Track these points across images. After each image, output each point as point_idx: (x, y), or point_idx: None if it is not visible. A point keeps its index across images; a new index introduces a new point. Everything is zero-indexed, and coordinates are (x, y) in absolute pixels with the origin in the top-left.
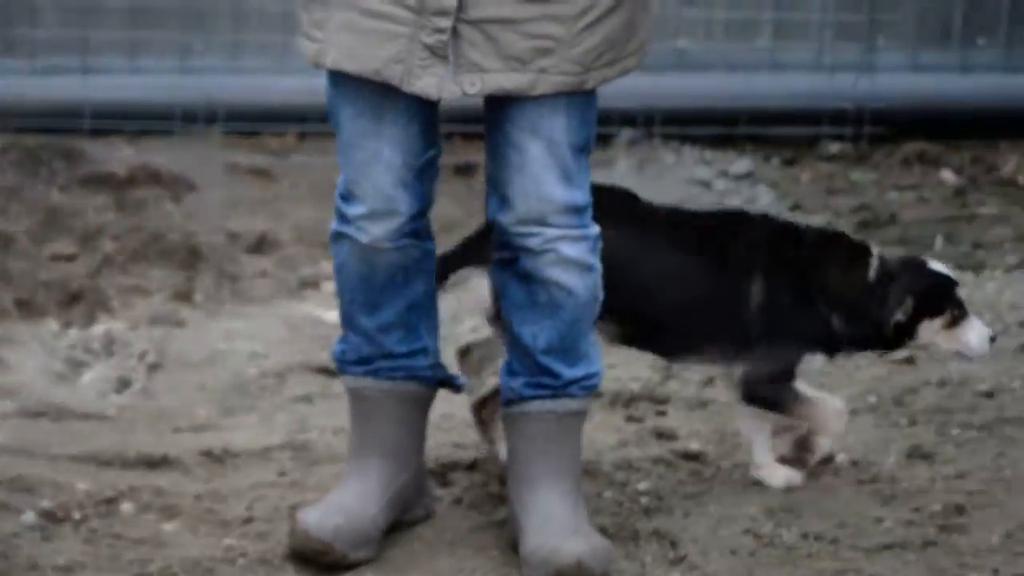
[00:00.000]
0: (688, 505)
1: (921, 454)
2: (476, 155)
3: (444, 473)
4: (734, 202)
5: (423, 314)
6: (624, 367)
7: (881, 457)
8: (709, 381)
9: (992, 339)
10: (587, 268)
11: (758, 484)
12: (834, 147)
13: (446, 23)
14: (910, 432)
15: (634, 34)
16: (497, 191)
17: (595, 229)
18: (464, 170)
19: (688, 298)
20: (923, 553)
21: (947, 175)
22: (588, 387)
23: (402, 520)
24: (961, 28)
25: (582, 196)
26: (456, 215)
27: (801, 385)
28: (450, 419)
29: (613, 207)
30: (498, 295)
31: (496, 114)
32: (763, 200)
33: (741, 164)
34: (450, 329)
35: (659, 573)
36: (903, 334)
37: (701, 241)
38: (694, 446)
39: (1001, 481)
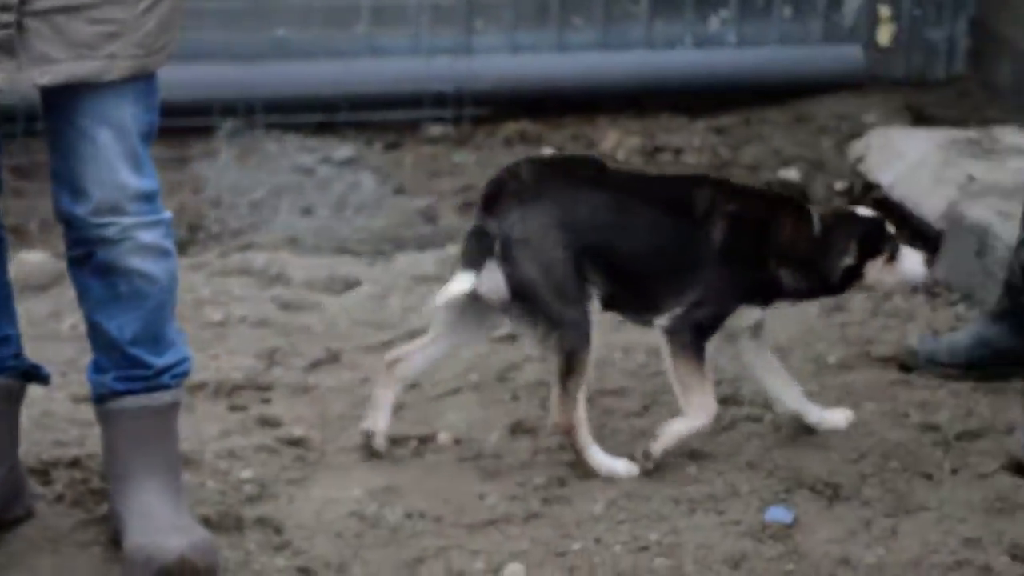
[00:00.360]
0: (292, 491)
1: (524, 429)
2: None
3: (45, 471)
4: (338, 186)
5: (1, 304)
6: (227, 357)
7: (484, 434)
8: (312, 366)
9: (928, 263)
10: (164, 253)
11: (363, 466)
12: (436, 130)
13: (9, 18)
14: (513, 407)
15: (175, 21)
16: (68, 184)
17: (167, 214)
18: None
19: (660, 255)
20: (526, 526)
21: (548, 153)
22: (179, 374)
23: (1, 519)
24: (558, 8)
25: (152, 182)
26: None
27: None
28: (50, 416)
29: (586, 175)
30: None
31: (63, 106)
32: (367, 185)
33: (344, 150)
34: (52, 326)
35: (264, 560)
36: (851, 277)
37: (669, 201)
38: (298, 432)
39: (610, 451)
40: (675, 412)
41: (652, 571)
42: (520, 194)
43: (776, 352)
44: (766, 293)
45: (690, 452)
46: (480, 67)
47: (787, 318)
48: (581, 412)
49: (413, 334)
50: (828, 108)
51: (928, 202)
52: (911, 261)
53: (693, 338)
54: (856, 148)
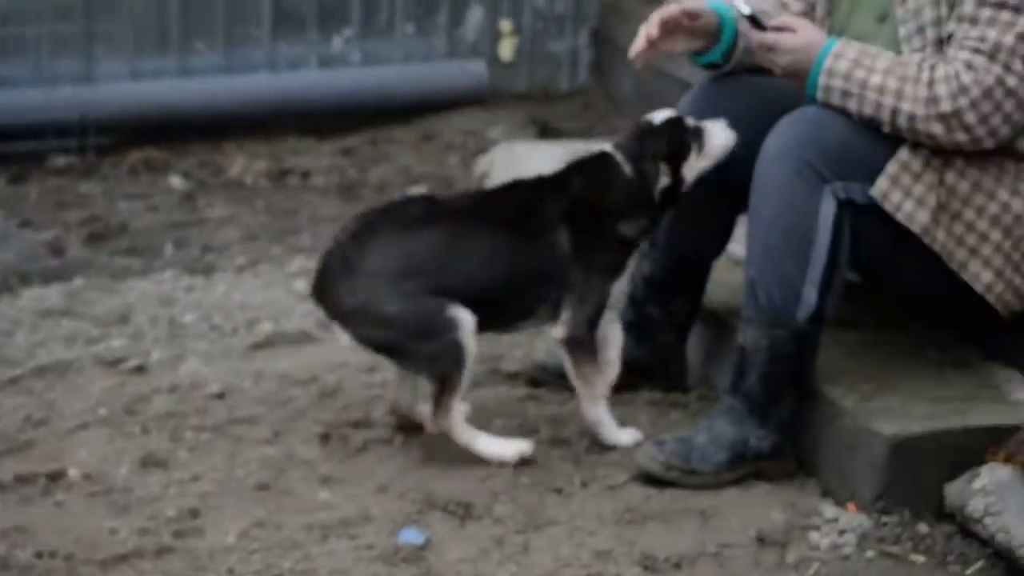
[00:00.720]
0: None
1: (155, 461)
2: None
3: None
4: None
5: None
6: None
7: (115, 468)
8: None
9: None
10: None
11: None
12: (61, 160)
13: None
14: (143, 440)
15: None
16: None
17: None
18: None
19: (512, 268)
20: (158, 560)
21: (175, 181)
22: None
23: None
24: (179, 33)
25: None
26: None
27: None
28: None
29: (422, 213)
30: None
31: None
32: None
33: None
34: None
35: None
36: (675, 191)
37: (502, 216)
38: None
39: (234, 481)
40: (307, 438)
41: None
42: (345, 263)
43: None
44: (625, 253)
45: (321, 478)
46: (103, 95)
47: None
48: (456, 415)
49: (41, 370)
50: (454, 125)
51: None
52: (716, 135)
53: (588, 337)
54: (482, 164)
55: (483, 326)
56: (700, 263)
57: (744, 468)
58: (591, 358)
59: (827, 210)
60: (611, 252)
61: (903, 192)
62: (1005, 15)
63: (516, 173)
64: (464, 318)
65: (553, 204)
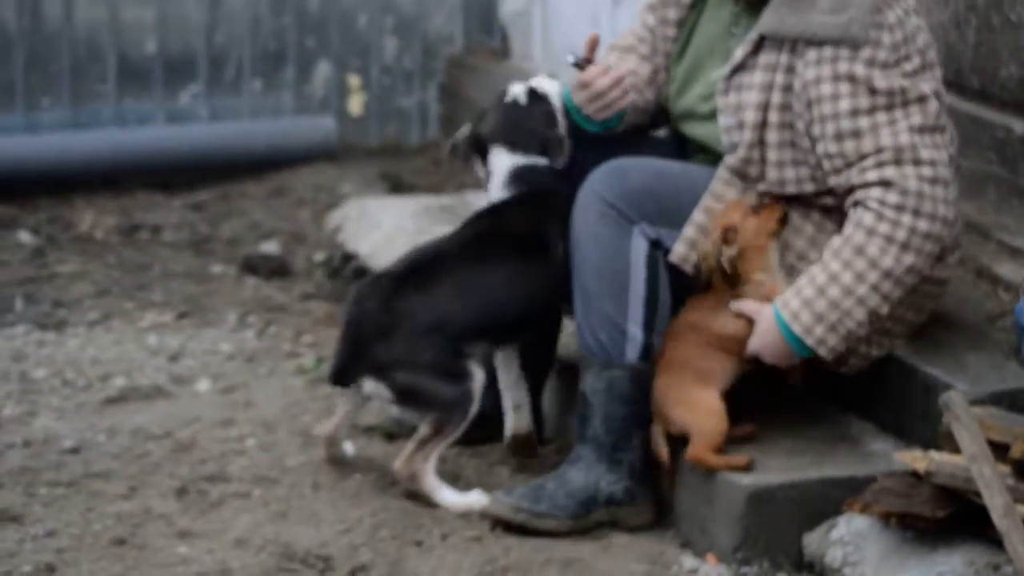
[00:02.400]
0: None
1: (10, 516)
2: None
3: None
4: None
5: None
6: None
7: None
8: None
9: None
10: None
11: None
12: None
13: None
14: None
15: None
16: None
17: None
18: None
19: (530, 288)
20: None
21: (24, 236)
22: None
23: None
24: (24, 89)
25: None
26: None
27: None
28: None
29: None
30: None
31: None
32: None
33: None
34: None
35: None
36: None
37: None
38: None
39: (90, 536)
40: (164, 492)
41: None
42: (376, 322)
43: (263, 426)
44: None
45: (178, 532)
46: None
47: (272, 391)
48: (430, 464)
49: None
50: (305, 180)
51: None
52: (552, 89)
53: None
54: (333, 218)
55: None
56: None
57: (597, 514)
58: None
59: (638, 248)
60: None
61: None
62: (882, 117)
63: (367, 228)
64: (479, 375)
65: (547, 213)
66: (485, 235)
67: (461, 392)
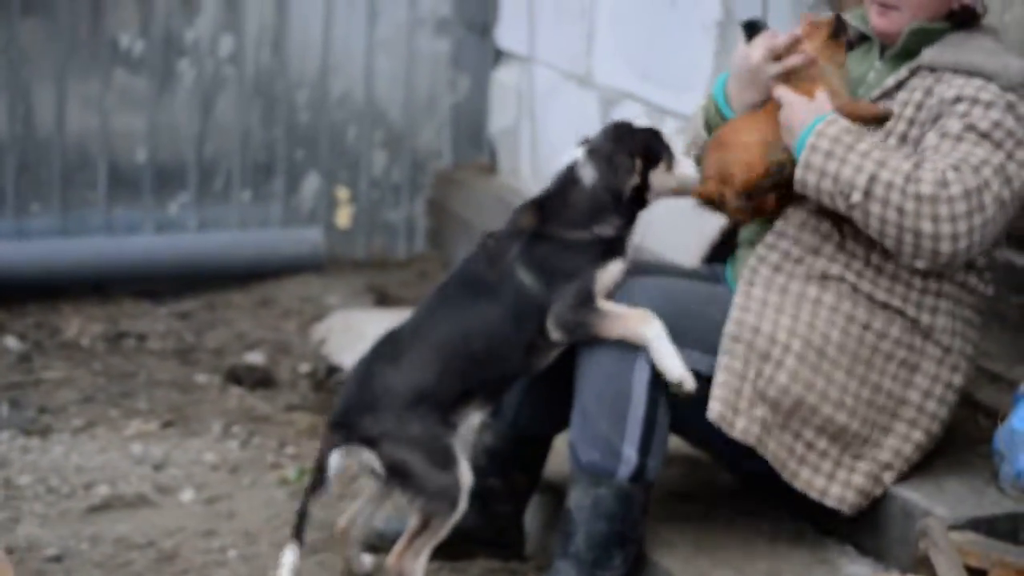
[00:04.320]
0: None
1: None
2: None
3: None
4: None
5: None
6: None
7: None
8: None
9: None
10: None
11: None
12: None
13: None
14: None
15: None
16: None
17: None
18: None
19: (511, 338)
20: None
21: (11, 341)
22: None
23: None
24: (14, 195)
25: None
26: None
27: (601, 301)
28: None
29: (406, 338)
30: None
31: None
32: None
33: None
34: None
35: None
36: (642, 193)
37: (475, 292)
38: None
39: None
40: None
41: None
42: (362, 399)
43: (245, 536)
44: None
45: None
46: None
47: (255, 502)
48: (420, 564)
49: None
50: (291, 291)
51: None
52: (686, 165)
53: (584, 314)
54: (319, 330)
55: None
56: (542, 439)
57: None
58: (606, 320)
59: (641, 375)
60: (581, 257)
61: (733, 410)
62: (987, 145)
63: (353, 340)
64: (464, 464)
65: (509, 254)
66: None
67: (449, 480)
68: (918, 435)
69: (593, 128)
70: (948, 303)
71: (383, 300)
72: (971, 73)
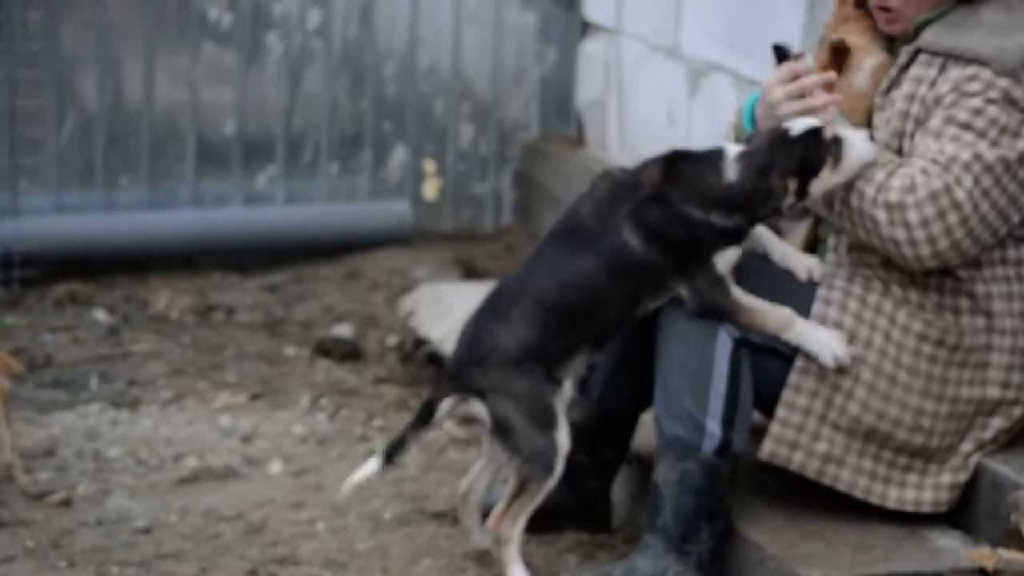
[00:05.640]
0: None
1: None
2: None
3: None
4: None
5: None
6: None
7: None
8: None
9: (870, 137)
10: None
11: None
12: None
13: None
14: (69, 574)
15: None
16: None
17: None
18: None
19: (610, 290)
20: None
21: (100, 315)
22: None
23: None
24: (103, 169)
25: None
26: None
27: (739, 291)
28: None
29: (509, 292)
30: None
31: None
32: None
33: None
34: None
35: None
36: (800, 200)
37: (577, 241)
38: None
39: None
40: (235, 574)
41: None
42: (472, 353)
43: (333, 509)
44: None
45: None
46: (27, 228)
47: (343, 474)
48: (518, 529)
49: None
50: (379, 264)
51: None
52: (857, 148)
53: (716, 299)
54: (407, 303)
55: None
56: (628, 415)
57: None
58: (739, 312)
59: (723, 348)
60: (702, 238)
61: (789, 447)
62: (967, 136)
63: (441, 313)
64: (564, 426)
65: (620, 207)
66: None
67: (547, 443)
68: (999, 422)
69: (680, 101)
70: (1002, 286)
71: (470, 272)
72: (968, 60)
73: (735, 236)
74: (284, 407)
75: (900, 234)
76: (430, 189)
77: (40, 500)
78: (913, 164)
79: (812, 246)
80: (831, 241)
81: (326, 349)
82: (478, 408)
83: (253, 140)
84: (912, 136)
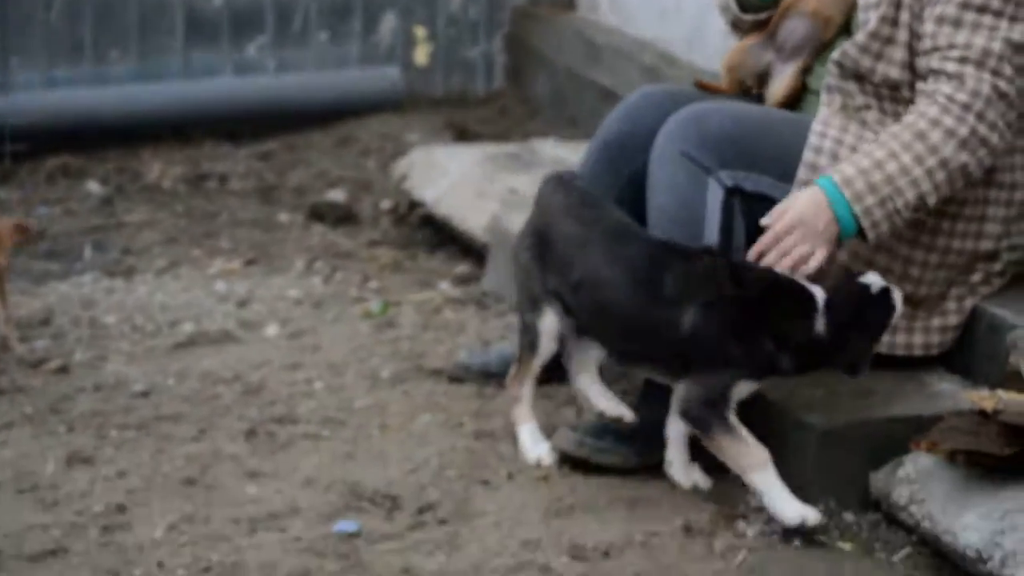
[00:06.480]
0: None
1: (81, 458)
2: None
3: None
4: None
5: None
6: None
7: (40, 465)
8: None
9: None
10: None
11: None
12: None
13: None
14: (69, 438)
15: None
16: None
17: None
18: None
19: (625, 313)
20: (87, 556)
21: (93, 186)
22: None
23: None
24: (93, 42)
25: None
26: None
27: (732, 417)
28: None
29: (567, 196)
30: None
31: None
32: None
33: None
34: None
35: None
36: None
37: (642, 262)
38: None
39: (160, 476)
40: (233, 434)
41: None
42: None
43: (330, 369)
44: (761, 371)
45: (248, 472)
46: (18, 103)
47: (339, 335)
48: (524, 392)
49: None
50: (371, 129)
51: (472, 217)
52: (899, 300)
53: (709, 416)
54: (400, 167)
55: (594, 339)
56: None
57: (662, 452)
58: (723, 433)
59: (714, 197)
60: (747, 360)
61: None
62: (987, 19)
63: (434, 176)
64: (550, 319)
65: (699, 285)
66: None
67: (532, 320)
68: (995, 266)
69: None
70: None
71: (463, 136)
72: None
73: (774, 373)
74: (279, 272)
75: (984, 156)
76: (421, 54)
77: (37, 368)
78: (940, 72)
79: (798, 95)
80: (823, 96)
81: (320, 214)
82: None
83: (242, 10)
84: (910, 8)
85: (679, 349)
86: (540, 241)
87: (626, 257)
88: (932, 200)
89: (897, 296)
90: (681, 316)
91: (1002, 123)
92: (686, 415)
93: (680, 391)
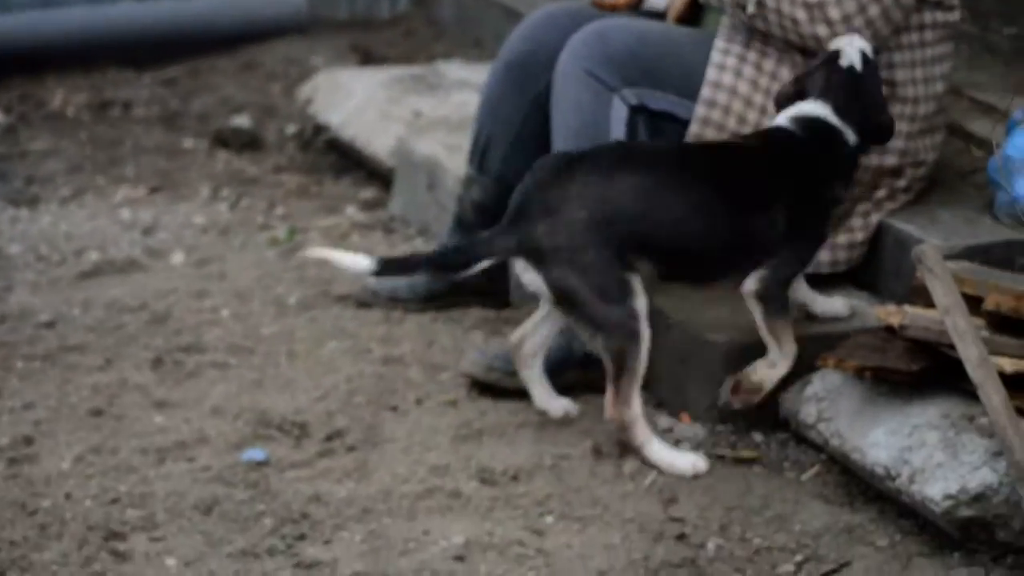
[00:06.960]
0: None
1: None
2: None
3: None
4: None
5: None
6: None
7: None
8: None
9: None
10: None
11: None
12: None
13: None
14: None
15: None
16: None
17: None
18: None
19: (716, 230)
20: None
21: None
22: None
23: None
24: None
25: None
26: None
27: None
28: None
29: (620, 156)
30: None
31: None
32: None
33: None
34: None
35: None
36: None
37: (717, 173)
38: None
39: (67, 407)
40: (139, 364)
41: (124, 522)
42: (546, 199)
43: (237, 296)
44: (830, 213)
45: (155, 402)
46: None
47: (246, 262)
48: (636, 409)
49: None
50: (275, 54)
51: (378, 140)
52: None
53: (782, 295)
54: (304, 91)
55: (679, 279)
56: None
57: (571, 375)
58: (785, 317)
59: (618, 116)
60: (824, 217)
61: (716, 131)
62: None
63: (339, 99)
64: (642, 296)
65: (774, 175)
66: (701, 154)
67: (624, 311)
68: (899, 182)
69: None
70: (905, 54)
71: (368, 59)
72: None
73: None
74: (184, 199)
75: (822, 31)
76: None
77: None
78: None
79: (691, 10)
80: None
81: (224, 140)
82: (528, 277)
83: None
84: None
85: (767, 246)
86: (602, 221)
87: (700, 178)
88: (751, 8)
89: None
90: (774, 214)
91: (860, 20)
92: (763, 296)
93: (758, 276)
